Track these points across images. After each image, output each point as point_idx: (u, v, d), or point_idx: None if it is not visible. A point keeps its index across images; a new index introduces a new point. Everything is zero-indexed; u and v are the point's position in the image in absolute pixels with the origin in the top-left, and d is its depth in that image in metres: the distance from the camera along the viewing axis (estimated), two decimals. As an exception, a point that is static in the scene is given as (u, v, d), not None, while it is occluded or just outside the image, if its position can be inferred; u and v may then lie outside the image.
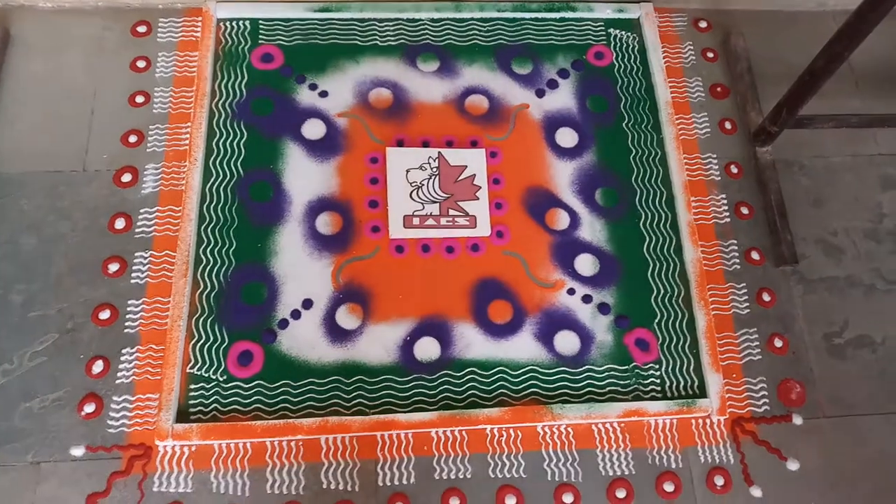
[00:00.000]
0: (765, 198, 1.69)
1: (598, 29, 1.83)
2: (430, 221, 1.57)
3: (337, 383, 1.42)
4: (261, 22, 1.74)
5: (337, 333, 1.46)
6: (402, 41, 1.77)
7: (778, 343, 1.54)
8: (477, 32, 1.80)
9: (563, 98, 1.75)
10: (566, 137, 1.71)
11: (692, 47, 1.84)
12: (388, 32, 1.77)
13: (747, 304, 1.58)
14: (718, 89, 1.80)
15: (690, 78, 1.81)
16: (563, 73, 1.77)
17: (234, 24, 1.73)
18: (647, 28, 1.83)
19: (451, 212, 1.58)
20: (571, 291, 1.55)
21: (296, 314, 1.47)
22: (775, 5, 1.87)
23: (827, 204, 1.70)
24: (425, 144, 1.65)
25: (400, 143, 1.64)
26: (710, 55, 1.84)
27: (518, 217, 1.61)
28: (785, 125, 1.62)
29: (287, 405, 1.40)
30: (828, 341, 1.57)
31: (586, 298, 1.55)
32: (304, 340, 1.45)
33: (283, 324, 1.46)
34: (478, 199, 1.61)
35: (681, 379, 1.49)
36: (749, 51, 1.82)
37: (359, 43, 1.75)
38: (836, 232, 1.68)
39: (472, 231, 1.58)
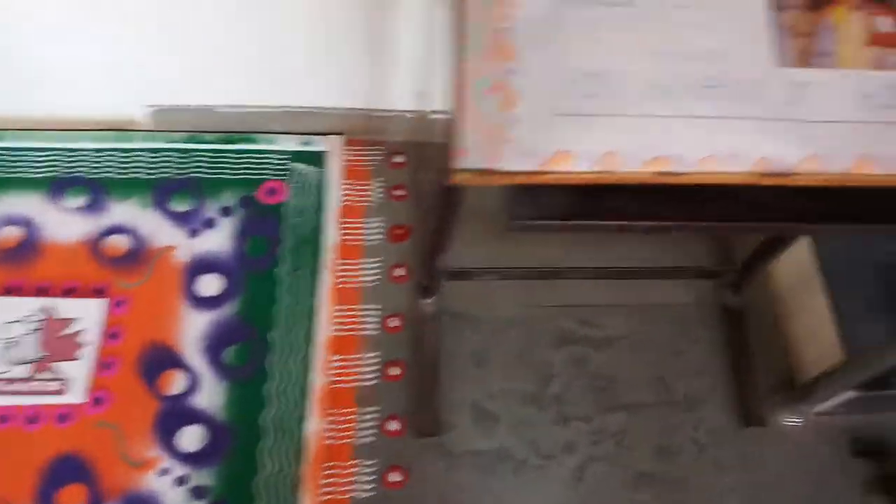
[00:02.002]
0: (419, 357, 1.51)
1: (280, 163, 1.69)
2: (16, 387, 1.39)
3: None
4: None
5: None
6: (54, 173, 1.61)
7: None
8: (142, 164, 1.65)
9: (218, 239, 1.59)
10: (209, 285, 1.54)
11: (383, 184, 1.69)
12: (39, 163, 1.62)
13: (373, 486, 1.39)
14: (399, 231, 1.64)
15: (371, 218, 1.65)
16: (226, 211, 1.62)
17: None
18: (331, 163, 1.68)
19: (41, 375, 1.40)
20: (164, 471, 1.36)
21: None
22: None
23: (491, 363, 1.53)
24: (42, 292, 1.48)
25: (9, 291, 1.46)
26: (399, 193, 1.69)
27: (127, 380, 1.43)
28: (438, 278, 1.45)
29: None
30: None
31: (181, 480, 1.36)
32: None
33: None
34: (78, 359, 1.43)
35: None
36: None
37: (2, 175, 1.59)
38: (494, 395, 1.50)
39: (62, 398, 1.40)
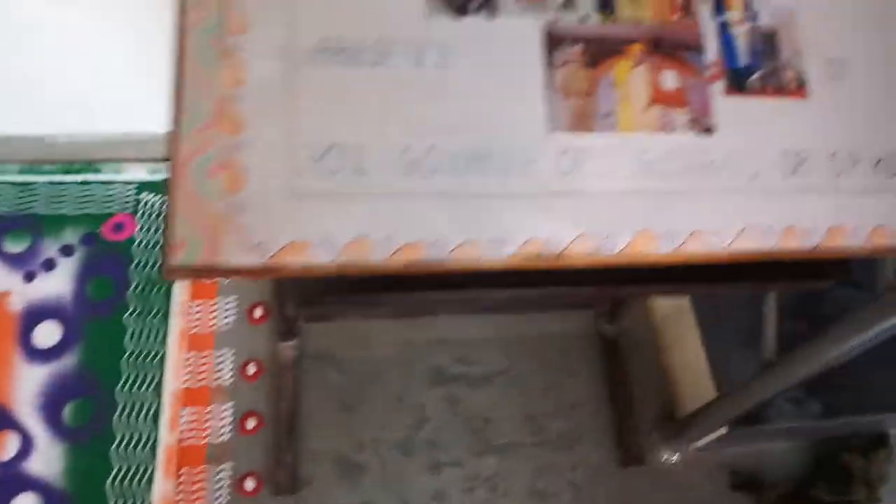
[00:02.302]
0: (278, 406, 1.40)
1: (128, 194, 1.56)
2: None
3: None
4: None
5: None
6: None
7: None
8: (-28, 201, 1.50)
9: (57, 282, 1.46)
10: (47, 334, 1.41)
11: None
12: None
13: (221, 551, 1.28)
14: (261, 267, 1.52)
15: (231, 253, 1.53)
16: (68, 251, 1.49)
17: None
18: (186, 194, 1.55)
19: None
20: (-13, 549, 1.23)
21: None
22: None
23: (359, 408, 1.44)
24: None
25: None
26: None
27: (-51, 445, 1.29)
28: (295, 319, 1.35)
29: None
30: None
31: (6, 556, 1.23)
32: None
33: None
34: None
35: None
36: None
37: None
38: (361, 445, 1.40)
39: None
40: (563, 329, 1.59)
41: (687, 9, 0.73)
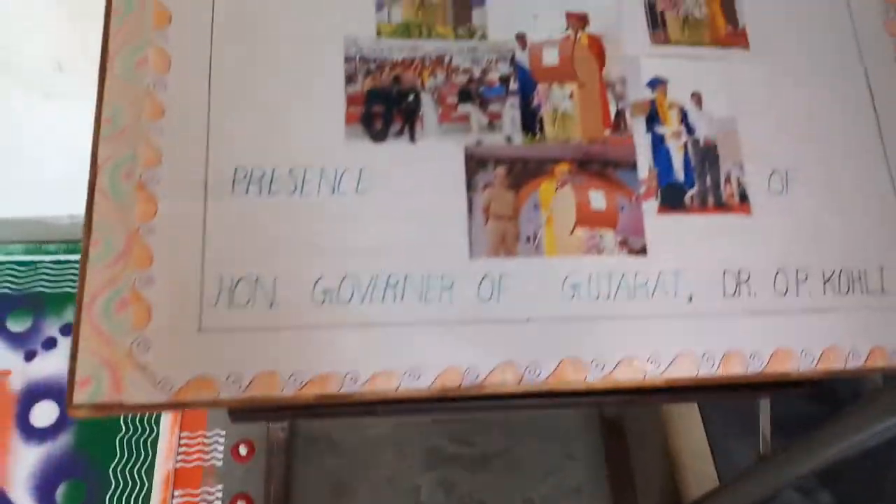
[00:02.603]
0: (268, 490, 1.39)
1: (132, 273, 1.58)
2: None
3: None
4: None
5: None
6: None
7: None
8: (-23, 279, 1.56)
9: (57, 361, 1.49)
10: (45, 414, 1.44)
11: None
12: None
13: None
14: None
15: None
16: (68, 330, 1.51)
17: None
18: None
19: None
20: None
21: None
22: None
23: (354, 492, 1.41)
24: None
25: None
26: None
27: (-57, 527, 1.32)
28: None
29: None
30: None
31: None
32: None
33: None
34: None
35: None
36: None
37: None
38: (352, 531, 1.37)
39: None
40: (566, 410, 1.54)
41: (619, 125, 0.71)
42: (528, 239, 0.66)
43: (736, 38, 0.76)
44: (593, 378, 0.64)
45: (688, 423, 1.45)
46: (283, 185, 0.65)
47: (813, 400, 1.16)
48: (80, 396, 0.58)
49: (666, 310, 0.67)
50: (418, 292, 0.64)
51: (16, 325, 1.54)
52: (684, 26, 0.76)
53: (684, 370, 0.65)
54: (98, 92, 0.65)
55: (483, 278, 0.65)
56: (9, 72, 1.23)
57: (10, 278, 1.59)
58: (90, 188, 0.63)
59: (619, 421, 1.53)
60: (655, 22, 0.76)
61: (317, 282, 0.63)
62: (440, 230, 0.66)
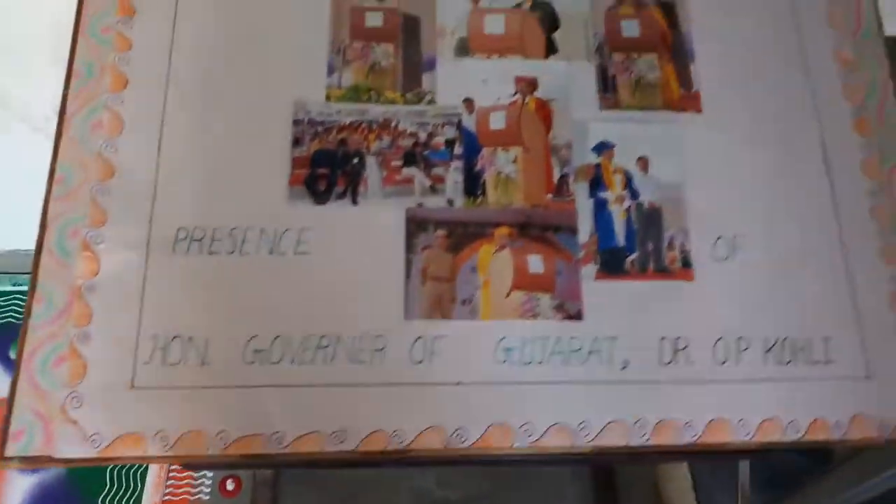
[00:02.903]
0: (251, 526, 1.40)
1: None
2: None
3: None
4: None
5: None
6: None
7: None
8: (-8, 309, 1.61)
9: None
10: (40, 444, 1.46)
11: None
12: None
13: None
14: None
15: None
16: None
17: None
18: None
19: None
20: None
21: None
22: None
23: (334, 533, 1.41)
24: None
25: None
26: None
27: (-64, 552, 1.35)
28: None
29: None
30: None
31: None
32: None
33: None
34: None
35: None
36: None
37: None
38: (333, 573, 1.37)
39: None
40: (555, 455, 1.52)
41: (562, 189, 0.71)
42: (464, 302, 0.67)
43: (689, 101, 0.77)
44: (520, 444, 0.64)
45: (677, 474, 1.43)
46: (223, 246, 0.67)
47: (804, 454, 1.14)
48: (11, 449, 0.59)
49: (599, 376, 0.67)
50: (349, 354, 0.65)
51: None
52: (636, 90, 0.76)
53: (615, 439, 0.65)
54: (53, 153, 0.68)
55: (416, 340, 0.66)
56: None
57: (15, 308, 1.64)
58: (38, 246, 0.65)
59: (609, 469, 1.51)
60: (606, 86, 0.76)
61: (249, 341, 0.64)
62: (376, 291, 0.67)
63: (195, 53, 0.73)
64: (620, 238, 0.71)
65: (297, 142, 0.71)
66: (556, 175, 0.72)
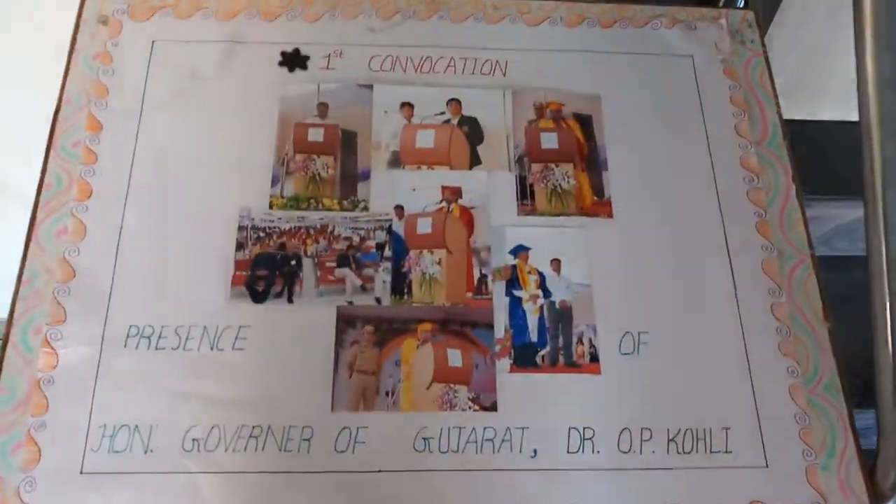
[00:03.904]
0: None
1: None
2: None
3: None
4: None
5: None
6: None
7: None
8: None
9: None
10: None
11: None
12: None
13: None
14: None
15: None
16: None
17: None
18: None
19: None
20: None
21: None
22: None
23: None
24: None
25: None
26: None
27: None
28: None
29: None
30: None
31: None
32: None
33: None
34: None
35: None
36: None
37: None
38: None
39: None
40: None
41: (481, 288, 0.79)
42: (387, 393, 0.74)
43: (601, 207, 0.85)
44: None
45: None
46: (169, 342, 0.74)
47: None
48: (-43, 535, 0.66)
49: (510, 464, 0.73)
50: (279, 443, 0.72)
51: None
52: (552, 197, 0.85)
53: (524, 523, 0.71)
54: (22, 257, 0.77)
55: (341, 431, 0.72)
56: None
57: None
58: (4, 341, 0.73)
59: None
60: (525, 193, 0.85)
61: (188, 431, 0.71)
62: (307, 384, 0.74)
63: (154, 166, 0.82)
64: (533, 334, 0.78)
65: (240, 246, 0.79)
66: (477, 275, 0.80)
